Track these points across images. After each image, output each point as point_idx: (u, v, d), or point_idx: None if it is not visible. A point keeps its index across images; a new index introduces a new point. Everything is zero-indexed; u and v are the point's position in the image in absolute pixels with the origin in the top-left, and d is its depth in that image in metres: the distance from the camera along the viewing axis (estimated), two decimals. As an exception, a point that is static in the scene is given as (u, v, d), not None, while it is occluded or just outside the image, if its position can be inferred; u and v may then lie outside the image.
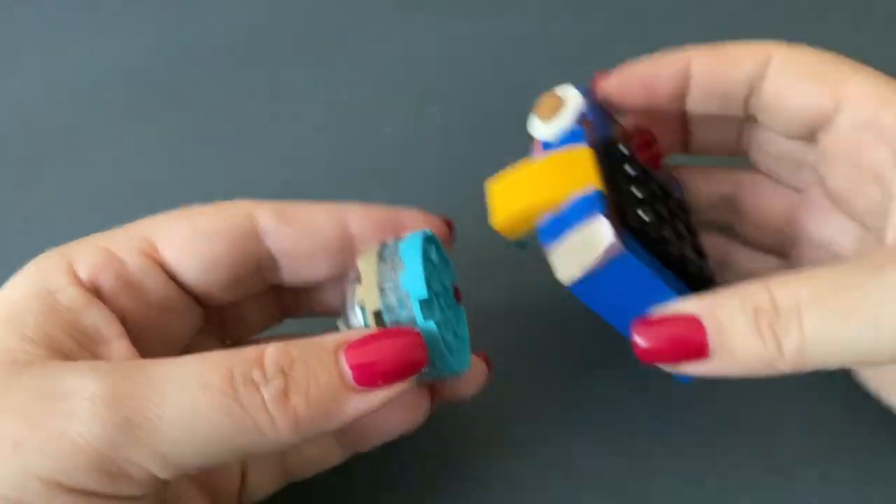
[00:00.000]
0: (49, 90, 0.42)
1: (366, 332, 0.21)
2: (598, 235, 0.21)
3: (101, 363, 0.20)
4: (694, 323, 0.21)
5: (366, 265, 0.22)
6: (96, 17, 0.45)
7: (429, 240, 0.23)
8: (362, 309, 0.21)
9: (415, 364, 0.21)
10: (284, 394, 0.20)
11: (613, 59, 0.27)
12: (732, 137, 0.29)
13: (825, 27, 0.42)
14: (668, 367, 0.22)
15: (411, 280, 0.21)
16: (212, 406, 0.19)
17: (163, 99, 0.42)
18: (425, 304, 0.21)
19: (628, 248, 0.22)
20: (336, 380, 0.20)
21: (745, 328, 0.21)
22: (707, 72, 0.26)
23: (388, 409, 0.25)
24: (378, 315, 0.21)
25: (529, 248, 0.24)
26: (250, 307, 0.27)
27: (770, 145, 0.28)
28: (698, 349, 0.21)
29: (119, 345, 0.22)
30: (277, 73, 0.42)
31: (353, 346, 0.20)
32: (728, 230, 0.30)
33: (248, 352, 0.20)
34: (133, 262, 0.23)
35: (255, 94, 0.42)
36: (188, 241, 0.23)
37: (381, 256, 0.22)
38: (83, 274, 0.22)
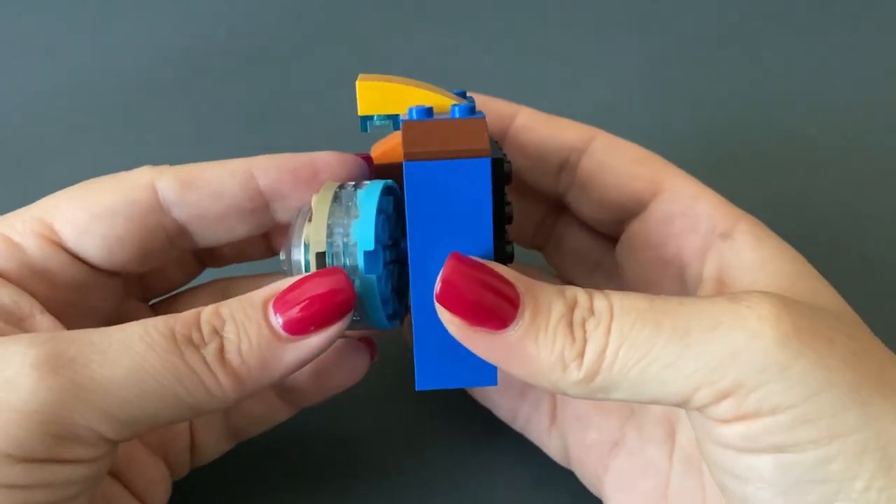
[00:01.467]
0: (47, 90, 0.42)
1: (291, 280, 0.21)
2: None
3: (38, 334, 0.20)
4: (511, 286, 0.19)
5: (320, 204, 0.22)
6: (95, 16, 0.45)
7: (387, 191, 0.23)
8: (307, 246, 0.21)
9: (343, 307, 0.20)
10: (221, 353, 0.20)
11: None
12: (528, 229, 0.29)
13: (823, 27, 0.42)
14: (457, 327, 0.19)
15: (362, 231, 0.21)
16: (157, 365, 0.19)
17: (162, 99, 0.41)
18: (371, 257, 0.21)
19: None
20: (266, 332, 0.20)
21: (558, 316, 0.19)
22: (529, 127, 0.25)
23: (328, 363, 0.25)
24: (320, 256, 0.21)
25: None
26: (170, 269, 0.27)
27: (566, 241, 0.28)
28: (505, 311, 0.19)
29: (42, 319, 0.22)
30: (277, 73, 0.42)
31: (280, 297, 0.20)
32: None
33: (186, 315, 0.20)
34: (32, 246, 0.22)
35: (254, 94, 0.42)
36: (86, 222, 0.23)
37: (337, 198, 0.22)
38: None
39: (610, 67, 0.43)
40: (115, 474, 0.24)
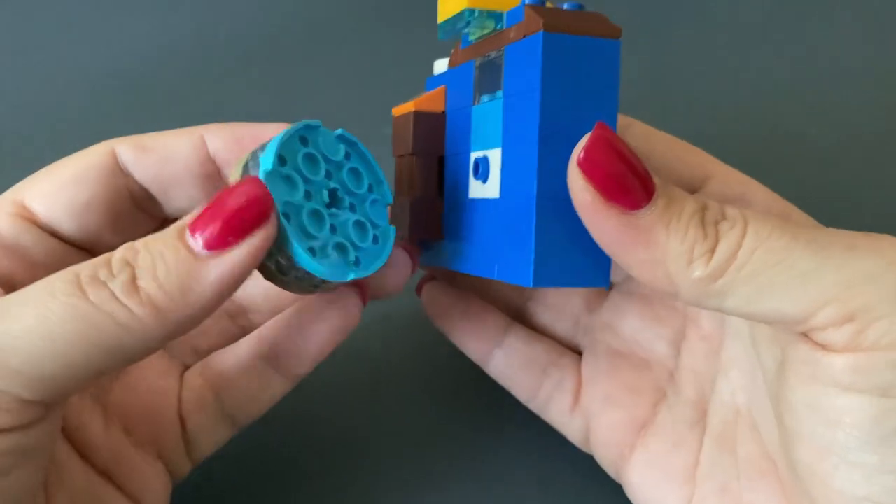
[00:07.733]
0: (46, 91, 0.42)
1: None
2: None
3: None
4: (647, 172, 0.19)
5: (244, 155, 0.22)
6: (94, 16, 0.45)
7: (341, 139, 0.23)
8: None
9: (258, 209, 0.20)
10: (133, 283, 0.19)
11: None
12: None
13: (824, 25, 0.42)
14: (590, 199, 0.19)
15: (265, 154, 0.21)
16: (59, 310, 0.18)
17: (160, 99, 0.41)
18: (278, 180, 0.21)
19: None
20: (184, 253, 0.19)
21: (691, 211, 0.19)
22: None
23: (315, 318, 0.24)
24: None
25: None
26: None
27: None
28: (640, 191, 0.19)
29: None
30: (276, 73, 0.42)
31: (196, 220, 0.20)
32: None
33: (97, 258, 0.19)
34: (3, 225, 0.23)
35: (253, 94, 0.42)
36: (53, 191, 0.23)
37: (261, 146, 0.22)
38: None
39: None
40: (104, 473, 0.24)
